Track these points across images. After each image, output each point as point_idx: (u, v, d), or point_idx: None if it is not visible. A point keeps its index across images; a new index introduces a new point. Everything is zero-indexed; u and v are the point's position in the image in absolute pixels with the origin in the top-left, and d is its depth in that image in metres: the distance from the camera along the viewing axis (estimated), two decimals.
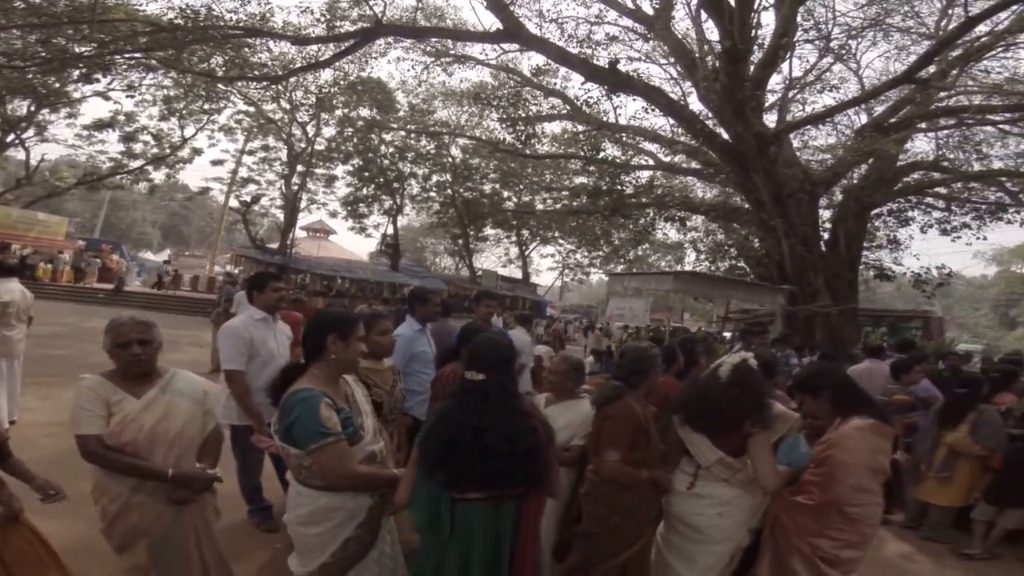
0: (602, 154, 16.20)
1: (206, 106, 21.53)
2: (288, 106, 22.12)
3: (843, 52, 13.99)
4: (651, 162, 16.41)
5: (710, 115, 12.91)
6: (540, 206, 25.73)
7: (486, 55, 15.71)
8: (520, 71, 16.02)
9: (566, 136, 18.06)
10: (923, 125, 13.71)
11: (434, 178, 27.17)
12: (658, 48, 14.12)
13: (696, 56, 12.28)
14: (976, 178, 14.50)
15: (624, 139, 15.83)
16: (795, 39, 12.55)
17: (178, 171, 25.58)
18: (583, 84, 13.39)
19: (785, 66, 14.26)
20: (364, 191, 26.57)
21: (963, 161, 14.79)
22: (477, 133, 20.33)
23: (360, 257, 32.47)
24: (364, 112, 23.24)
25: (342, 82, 19.89)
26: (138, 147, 23.25)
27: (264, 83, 17.73)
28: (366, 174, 25.37)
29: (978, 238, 15.13)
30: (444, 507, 1.74)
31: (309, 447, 1.75)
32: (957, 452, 4.27)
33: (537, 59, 14.41)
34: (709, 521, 2.34)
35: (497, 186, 27.28)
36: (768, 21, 11.93)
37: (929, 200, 15.67)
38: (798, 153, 15.76)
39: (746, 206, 13.68)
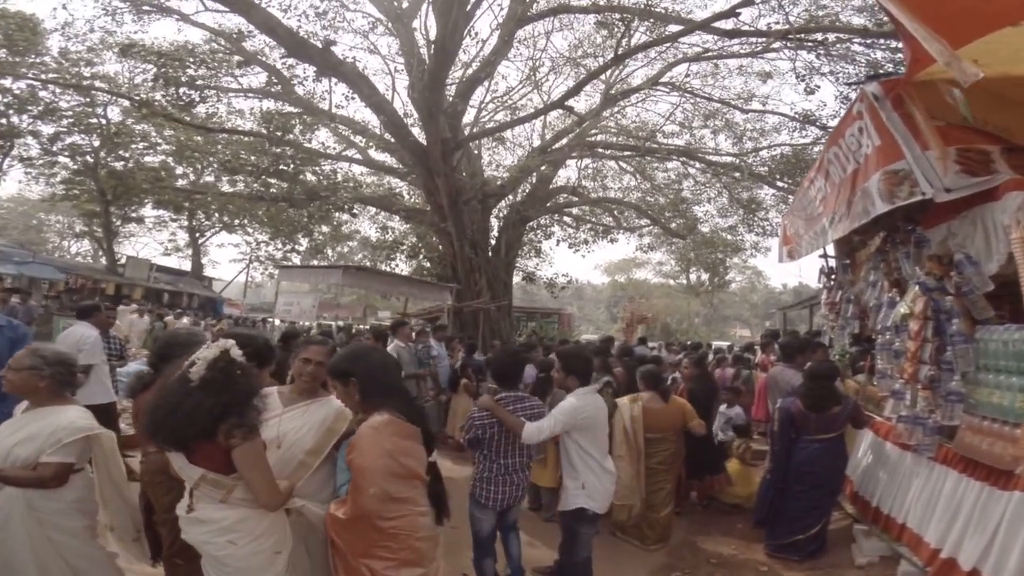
0: (291, 136, 14.75)
1: None
2: None
3: (542, 82, 15.93)
4: (358, 155, 16.02)
5: (415, 116, 13.15)
6: (228, 188, 21.93)
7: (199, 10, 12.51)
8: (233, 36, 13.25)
9: (275, 115, 15.93)
10: (574, 154, 16.59)
11: (68, 139, 20.27)
12: (393, 43, 14.00)
13: (419, 56, 12.29)
14: (596, 203, 18.75)
15: (338, 128, 15.10)
16: (508, 58, 13.81)
17: None
18: (282, 57, 12.24)
19: (499, 86, 15.78)
20: None
21: (592, 189, 18.72)
22: (159, 96, 15.97)
23: None
24: None
25: None
26: None
27: None
28: None
29: (591, 251, 19.59)
30: None
31: None
32: None
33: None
34: (223, 551, 1.92)
35: (170, 160, 22.11)
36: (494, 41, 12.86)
37: (567, 219, 19.53)
38: (487, 168, 17.55)
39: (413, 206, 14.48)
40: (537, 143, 17.16)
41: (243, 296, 30.09)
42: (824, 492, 3.84)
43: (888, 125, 3.20)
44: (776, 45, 11.68)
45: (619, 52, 11.40)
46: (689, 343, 12.43)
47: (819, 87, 13.67)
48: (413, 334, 6.82)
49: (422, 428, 2.14)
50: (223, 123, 15.51)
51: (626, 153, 16.82)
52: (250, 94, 15.02)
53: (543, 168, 16.22)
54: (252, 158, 16.36)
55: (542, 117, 16.94)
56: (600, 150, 16.79)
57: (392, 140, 13.89)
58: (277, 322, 11.40)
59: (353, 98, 13.08)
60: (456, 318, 12.29)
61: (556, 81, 16.34)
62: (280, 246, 27.65)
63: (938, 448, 3.21)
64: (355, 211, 16.09)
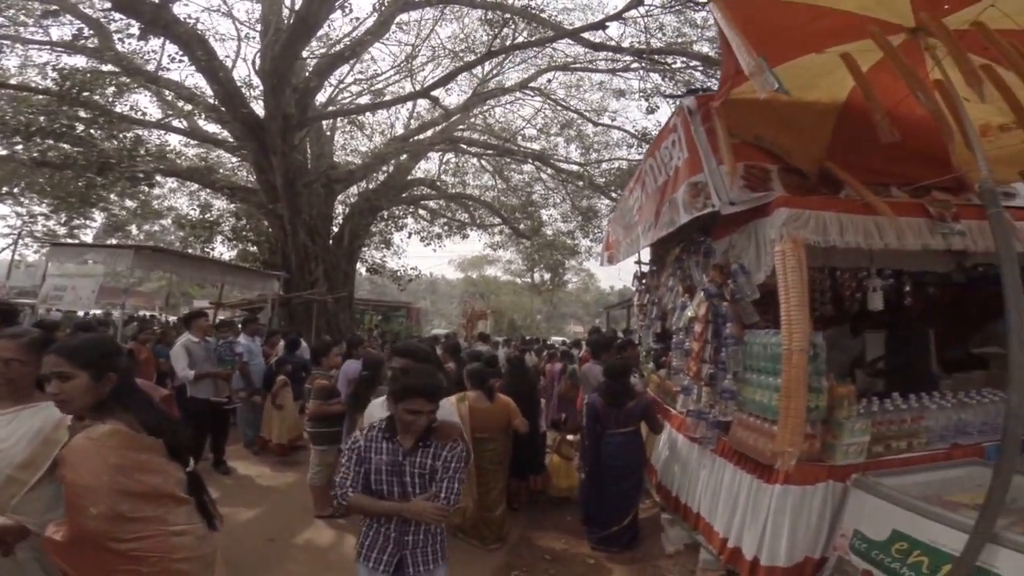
0: (95, 97, 12.13)
1: None
2: None
3: (417, 71, 15.45)
4: (182, 124, 13.95)
5: (260, 88, 11.87)
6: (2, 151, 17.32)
7: None
8: None
9: (77, 72, 12.84)
10: (438, 147, 16.28)
11: None
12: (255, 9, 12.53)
13: (279, 24, 11.12)
14: (453, 198, 18.62)
15: (162, 92, 13.00)
16: (383, 41, 13.15)
17: None
18: (106, 10, 10.59)
19: (368, 69, 15.13)
20: None
21: (452, 185, 18.46)
22: None
23: None
24: None
25: None
26: None
27: None
28: None
29: (443, 246, 19.43)
30: None
31: None
32: None
33: None
34: None
35: None
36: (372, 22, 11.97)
37: (422, 212, 19.09)
38: (339, 152, 16.43)
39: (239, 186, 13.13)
40: (400, 132, 16.56)
41: (7, 276, 24.23)
42: (630, 483, 4.04)
43: (695, 139, 3.39)
44: (635, 65, 12.73)
45: (492, 48, 11.62)
46: (528, 339, 12.88)
47: (659, 107, 15.32)
48: (213, 328, 5.91)
49: (170, 442, 1.81)
50: (7, 78, 12.52)
51: (488, 152, 17.04)
52: (57, 48, 12.26)
53: (403, 158, 15.62)
54: (22, 118, 13.12)
55: (411, 108, 16.50)
56: (464, 146, 16.73)
57: (224, 110, 12.24)
58: (42, 310, 9.17)
59: (182, 60, 11.33)
60: (284, 309, 11.12)
61: (434, 72, 15.95)
62: (65, 221, 22.76)
63: (718, 441, 3.46)
64: (155, 182, 13.82)
